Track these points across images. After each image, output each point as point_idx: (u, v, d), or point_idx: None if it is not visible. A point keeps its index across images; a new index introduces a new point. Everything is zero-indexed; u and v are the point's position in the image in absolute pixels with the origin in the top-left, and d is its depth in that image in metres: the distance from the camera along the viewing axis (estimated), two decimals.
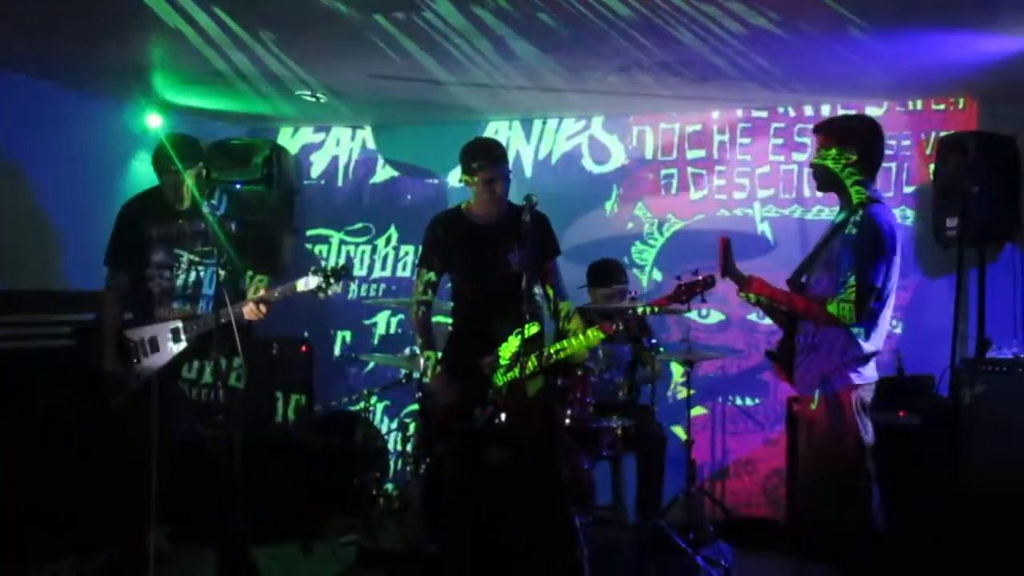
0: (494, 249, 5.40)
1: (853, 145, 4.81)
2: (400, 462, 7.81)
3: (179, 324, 5.31)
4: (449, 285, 5.68)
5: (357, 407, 7.54)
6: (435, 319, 5.82)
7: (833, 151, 4.83)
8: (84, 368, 5.81)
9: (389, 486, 7.44)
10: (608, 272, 6.89)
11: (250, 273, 5.51)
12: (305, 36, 5.78)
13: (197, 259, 5.45)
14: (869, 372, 4.80)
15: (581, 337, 5.41)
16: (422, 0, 5.03)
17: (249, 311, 5.29)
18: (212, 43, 5.81)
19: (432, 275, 5.53)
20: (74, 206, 7.01)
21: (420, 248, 5.62)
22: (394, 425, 8.12)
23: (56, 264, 7.03)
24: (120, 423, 5.47)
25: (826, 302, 4.70)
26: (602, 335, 5.41)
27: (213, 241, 5.29)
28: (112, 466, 5.79)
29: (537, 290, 5.52)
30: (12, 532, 5.78)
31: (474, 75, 6.52)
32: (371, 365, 8.38)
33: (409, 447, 7.44)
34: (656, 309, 5.63)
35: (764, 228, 7.56)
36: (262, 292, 5.36)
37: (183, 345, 5.30)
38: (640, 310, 5.64)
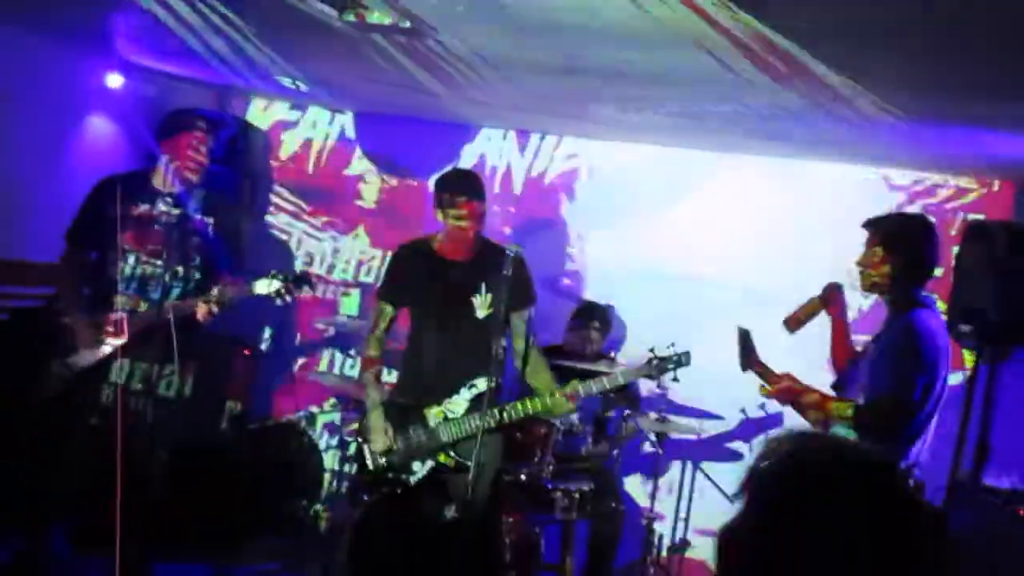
0: (460, 291, 5.37)
1: (901, 250, 4.75)
2: (336, 482, 7.75)
3: (123, 316, 5.36)
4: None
5: (295, 418, 7.51)
6: None
7: (880, 252, 4.76)
8: (25, 350, 5.86)
9: (319, 506, 7.38)
10: (589, 313, 6.91)
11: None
12: (291, 35, 5.66)
13: (162, 252, 5.43)
14: None
15: (547, 400, 5.34)
16: (429, 31, 4.90)
17: (202, 312, 5.32)
18: (187, 25, 5.67)
19: (391, 309, 5.50)
20: (23, 164, 6.86)
21: (382, 277, 5.65)
22: (335, 441, 8.04)
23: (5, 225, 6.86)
24: (44, 414, 5.51)
25: (851, 406, 4.64)
26: (569, 406, 5.40)
27: (182, 241, 5.45)
28: (27, 458, 5.82)
29: (503, 341, 5.39)
30: None
31: (473, 95, 6.45)
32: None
33: (347, 468, 7.40)
34: (621, 381, 5.54)
35: None
36: (214, 291, 5.36)
37: (123, 339, 5.34)
38: (606, 385, 5.46)
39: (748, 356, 5.14)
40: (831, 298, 5.12)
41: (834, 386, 4.98)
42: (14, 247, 6.83)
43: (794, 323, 5.15)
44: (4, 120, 6.73)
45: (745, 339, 5.17)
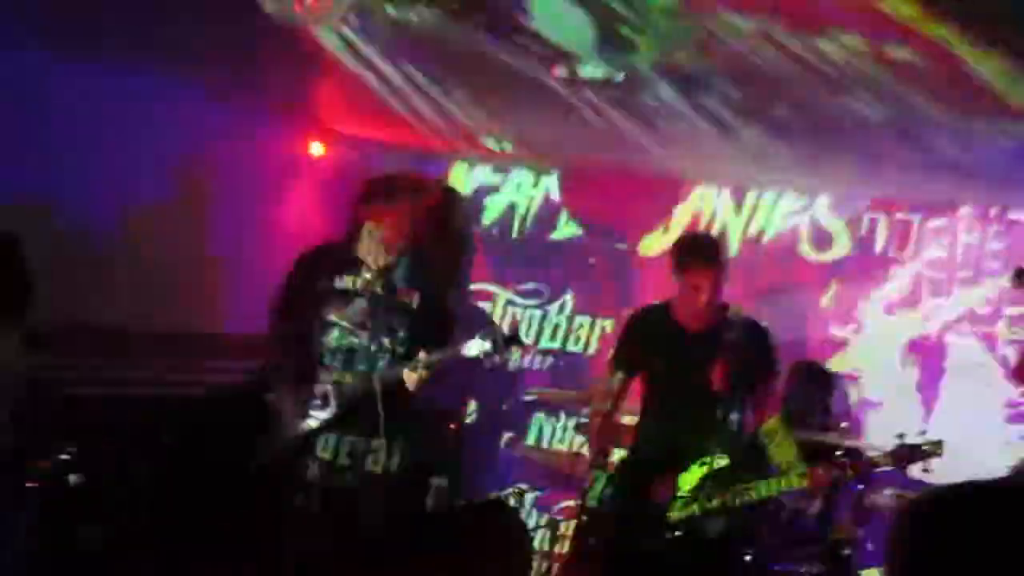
0: (697, 361, 5.26)
1: None
2: (547, 565, 7.70)
3: (329, 389, 5.36)
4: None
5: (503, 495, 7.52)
6: None
7: None
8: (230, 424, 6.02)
9: None
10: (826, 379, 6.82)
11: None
12: (500, 95, 5.74)
13: (366, 324, 5.43)
14: None
15: (790, 482, 5.22)
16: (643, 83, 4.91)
17: (412, 380, 5.25)
18: (395, 90, 5.80)
19: (622, 377, 5.47)
20: (226, 236, 7.10)
21: (615, 345, 5.63)
22: (543, 521, 8.01)
23: (211, 298, 7.12)
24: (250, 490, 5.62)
25: None
26: (805, 483, 5.22)
27: (387, 313, 5.39)
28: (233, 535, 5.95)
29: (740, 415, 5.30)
30: None
31: (687, 150, 6.41)
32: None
33: (557, 548, 7.36)
34: (870, 464, 5.41)
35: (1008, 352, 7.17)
36: (422, 355, 5.29)
37: (332, 411, 5.35)
38: (849, 474, 5.36)
39: None
40: None
41: None
42: (219, 320, 7.06)
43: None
44: (207, 192, 7.00)
45: None
